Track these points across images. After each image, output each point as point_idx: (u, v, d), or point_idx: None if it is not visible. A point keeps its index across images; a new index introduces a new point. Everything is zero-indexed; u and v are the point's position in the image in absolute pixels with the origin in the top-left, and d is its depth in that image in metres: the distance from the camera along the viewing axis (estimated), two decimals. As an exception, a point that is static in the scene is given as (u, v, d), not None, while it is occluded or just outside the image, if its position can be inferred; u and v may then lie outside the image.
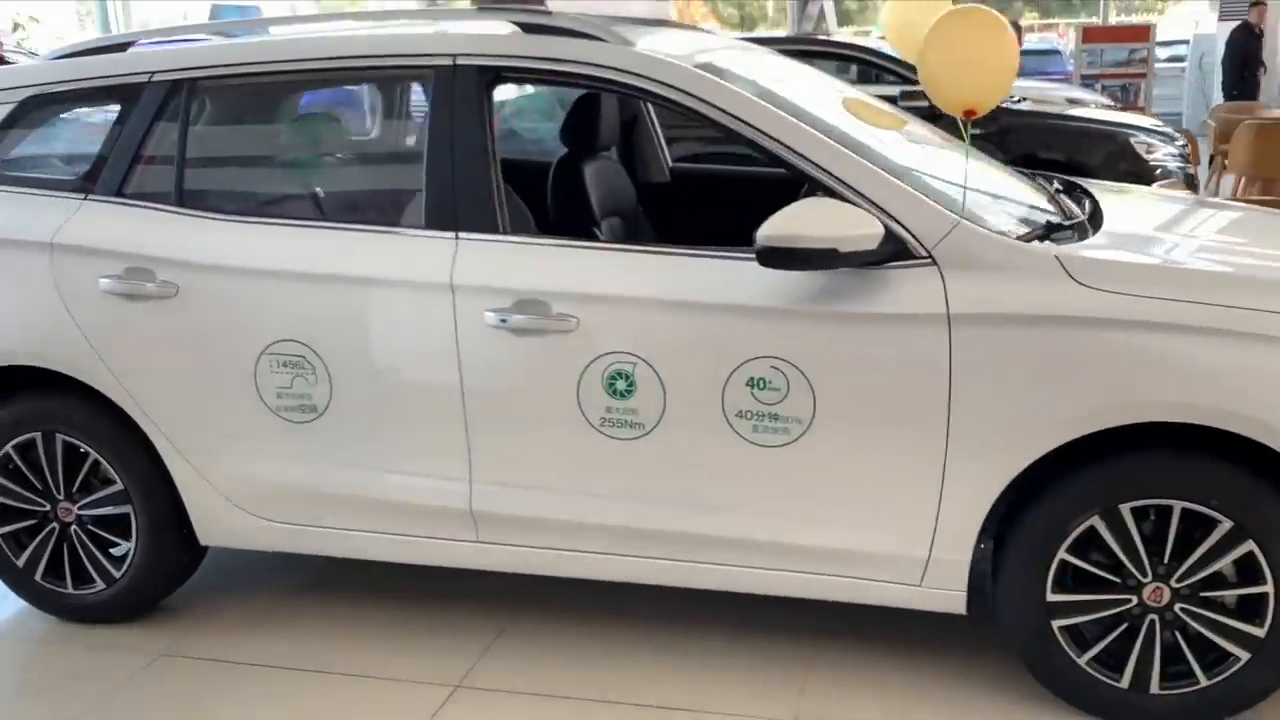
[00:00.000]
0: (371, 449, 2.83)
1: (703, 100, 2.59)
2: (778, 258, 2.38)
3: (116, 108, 3.01)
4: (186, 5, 15.41)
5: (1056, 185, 3.25)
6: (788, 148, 2.54)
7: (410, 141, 3.02)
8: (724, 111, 2.58)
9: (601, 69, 2.68)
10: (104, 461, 3.02)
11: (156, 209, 2.92)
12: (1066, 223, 2.72)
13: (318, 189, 3.01)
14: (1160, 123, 7.48)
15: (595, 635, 3.02)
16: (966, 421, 2.41)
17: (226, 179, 3.08)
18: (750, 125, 2.56)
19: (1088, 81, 12.91)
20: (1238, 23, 12.96)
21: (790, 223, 2.36)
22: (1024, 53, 9.75)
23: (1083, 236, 2.63)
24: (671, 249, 2.63)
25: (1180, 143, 6.96)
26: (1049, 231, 2.62)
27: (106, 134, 3.01)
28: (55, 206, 2.99)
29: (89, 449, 3.02)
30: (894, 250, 2.43)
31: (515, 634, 3.05)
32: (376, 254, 2.75)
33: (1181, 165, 6.82)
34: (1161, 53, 15.37)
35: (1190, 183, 6.73)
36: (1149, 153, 6.66)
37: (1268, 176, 8.33)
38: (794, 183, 3.97)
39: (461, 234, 2.70)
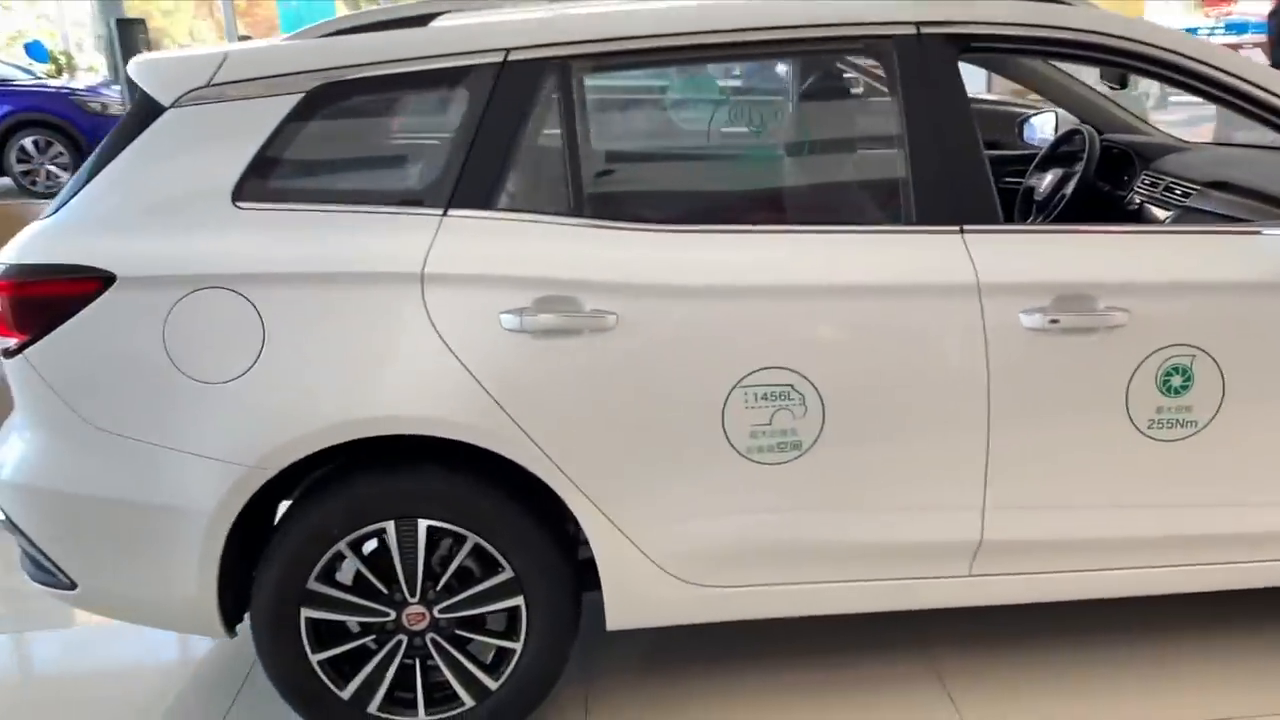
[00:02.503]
0: (863, 485, 2.40)
1: (1225, 71, 2.40)
2: None
3: (458, 97, 2.36)
4: None
5: None
6: None
7: (858, 123, 2.58)
8: (1252, 83, 2.40)
9: (1095, 35, 2.41)
10: (488, 546, 2.37)
11: (555, 222, 2.32)
12: None
13: (756, 185, 2.51)
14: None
15: (1044, 661, 2.76)
16: None
17: (636, 179, 2.49)
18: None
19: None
20: None
21: None
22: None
23: None
24: (1222, 229, 2.43)
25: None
26: None
27: (453, 131, 2.35)
28: (404, 227, 2.30)
29: (466, 533, 2.36)
30: None
31: (961, 675, 2.72)
32: (870, 258, 2.33)
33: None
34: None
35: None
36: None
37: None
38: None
39: (966, 227, 2.35)
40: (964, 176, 2.36)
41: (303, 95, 2.31)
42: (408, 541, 2.35)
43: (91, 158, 2.39)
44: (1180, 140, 3.39)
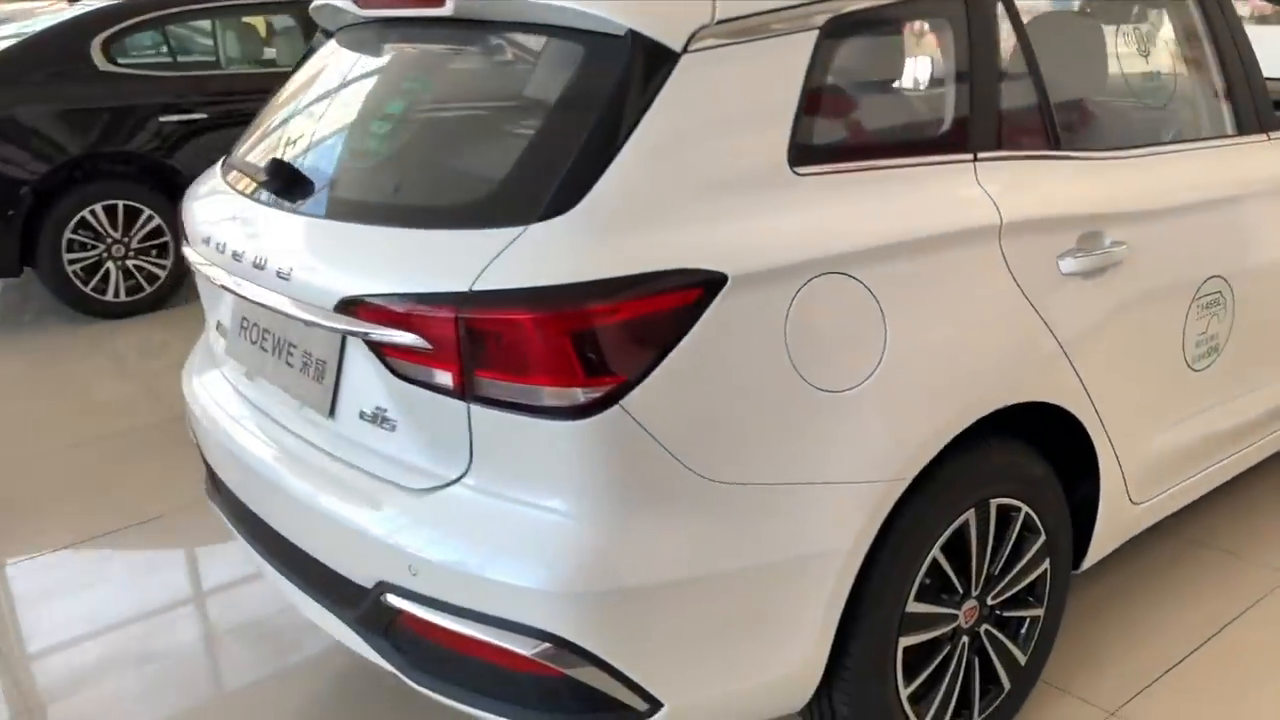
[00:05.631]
0: (1245, 373, 2.64)
1: None
2: None
3: (938, 28, 2.12)
4: None
5: None
6: None
7: (1183, 44, 2.68)
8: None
9: None
10: (1033, 515, 2.20)
11: (1057, 156, 2.20)
12: None
13: (1156, 103, 2.58)
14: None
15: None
16: None
17: (1076, 105, 2.38)
18: None
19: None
20: None
21: None
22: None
23: None
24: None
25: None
26: None
27: (945, 66, 2.10)
28: (956, 176, 2.02)
29: (1021, 505, 2.17)
30: None
31: (1214, 537, 3.08)
32: (1245, 165, 2.58)
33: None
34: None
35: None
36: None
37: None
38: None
39: (1271, 134, 2.68)
40: (1259, 88, 2.68)
41: (818, 32, 1.90)
42: (982, 530, 2.11)
43: (567, 128, 1.75)
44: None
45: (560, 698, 1.77)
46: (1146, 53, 2.57)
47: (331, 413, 1.97)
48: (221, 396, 2.37)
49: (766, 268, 1.72)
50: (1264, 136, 2.66)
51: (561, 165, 1.70)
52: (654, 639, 1.75)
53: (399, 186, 1.93)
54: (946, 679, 2.14)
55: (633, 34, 1.76)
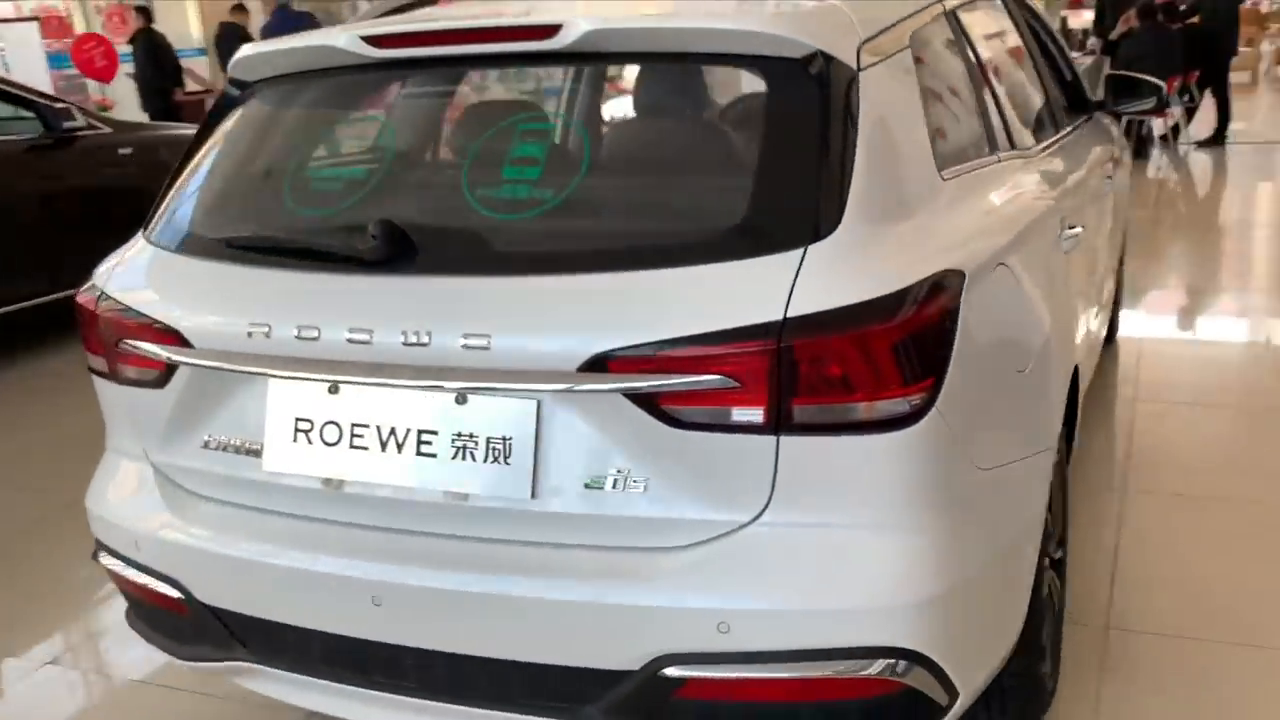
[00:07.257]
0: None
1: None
2: None
3: (955, 46, 2.39)
4: None
5: None
6: None
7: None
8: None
9: None
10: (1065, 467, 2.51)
11: (1023, 155, 2.54)
12: None
13: (1040, 107, 3.04)
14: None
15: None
16: None
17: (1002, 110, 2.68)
18: None
19: None
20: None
21: None
22: None
23: None
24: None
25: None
26: None
27: (965, 81, 2.38)
28: (1012, 172, 2.34)
29: (1059, 459, 2.45)
30: None
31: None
32: (1077, 156, 3.11)
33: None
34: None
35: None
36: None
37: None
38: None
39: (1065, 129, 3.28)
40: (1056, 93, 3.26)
41: (908, 50, 2.08)
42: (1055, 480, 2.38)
43: (794, 150, 1.76)
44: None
45: (881, 713, 1.75)
46: (1020, 63, 3.03)
47: (534, 494, 1.76)
48: (258, 528, 1.97)
49: (978, 262, 1.85)
50: (1068, 130, 3.24)
51: (811, 187, 1.71)
52: (960, 631, 1.79)
53: (606, 230, 1.79)
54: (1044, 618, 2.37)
55: (822, 55, 1.79)
